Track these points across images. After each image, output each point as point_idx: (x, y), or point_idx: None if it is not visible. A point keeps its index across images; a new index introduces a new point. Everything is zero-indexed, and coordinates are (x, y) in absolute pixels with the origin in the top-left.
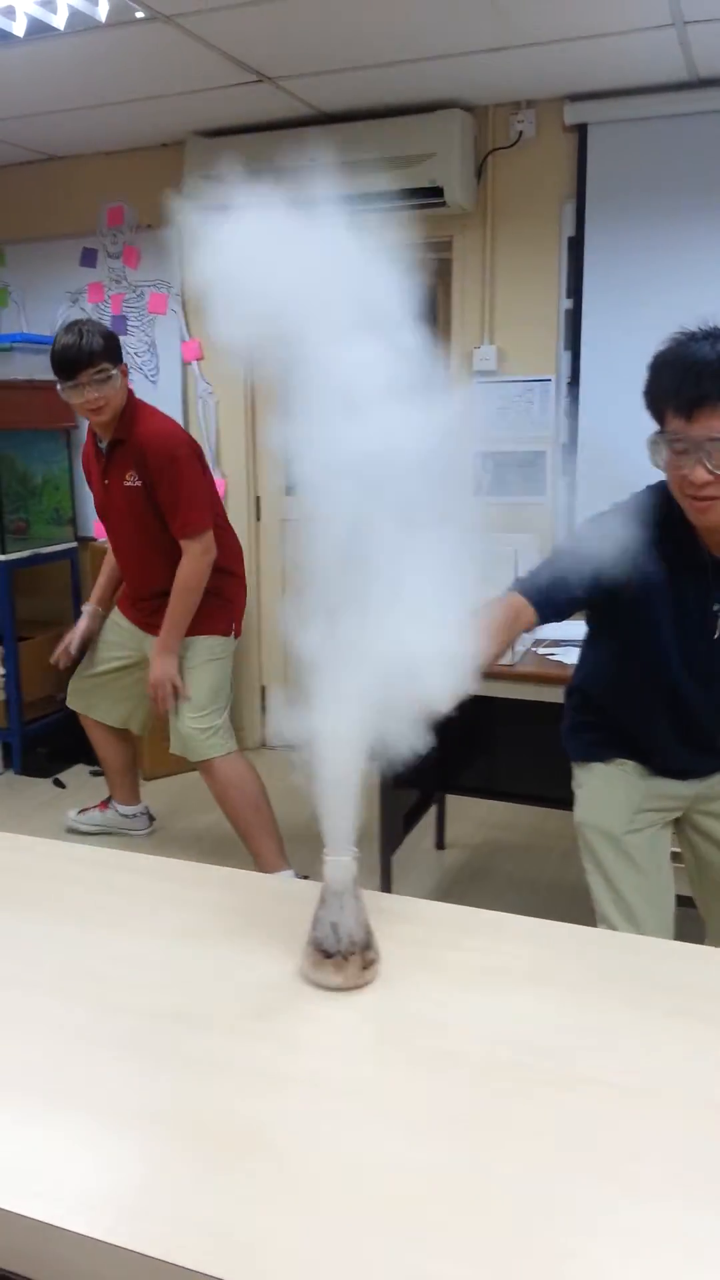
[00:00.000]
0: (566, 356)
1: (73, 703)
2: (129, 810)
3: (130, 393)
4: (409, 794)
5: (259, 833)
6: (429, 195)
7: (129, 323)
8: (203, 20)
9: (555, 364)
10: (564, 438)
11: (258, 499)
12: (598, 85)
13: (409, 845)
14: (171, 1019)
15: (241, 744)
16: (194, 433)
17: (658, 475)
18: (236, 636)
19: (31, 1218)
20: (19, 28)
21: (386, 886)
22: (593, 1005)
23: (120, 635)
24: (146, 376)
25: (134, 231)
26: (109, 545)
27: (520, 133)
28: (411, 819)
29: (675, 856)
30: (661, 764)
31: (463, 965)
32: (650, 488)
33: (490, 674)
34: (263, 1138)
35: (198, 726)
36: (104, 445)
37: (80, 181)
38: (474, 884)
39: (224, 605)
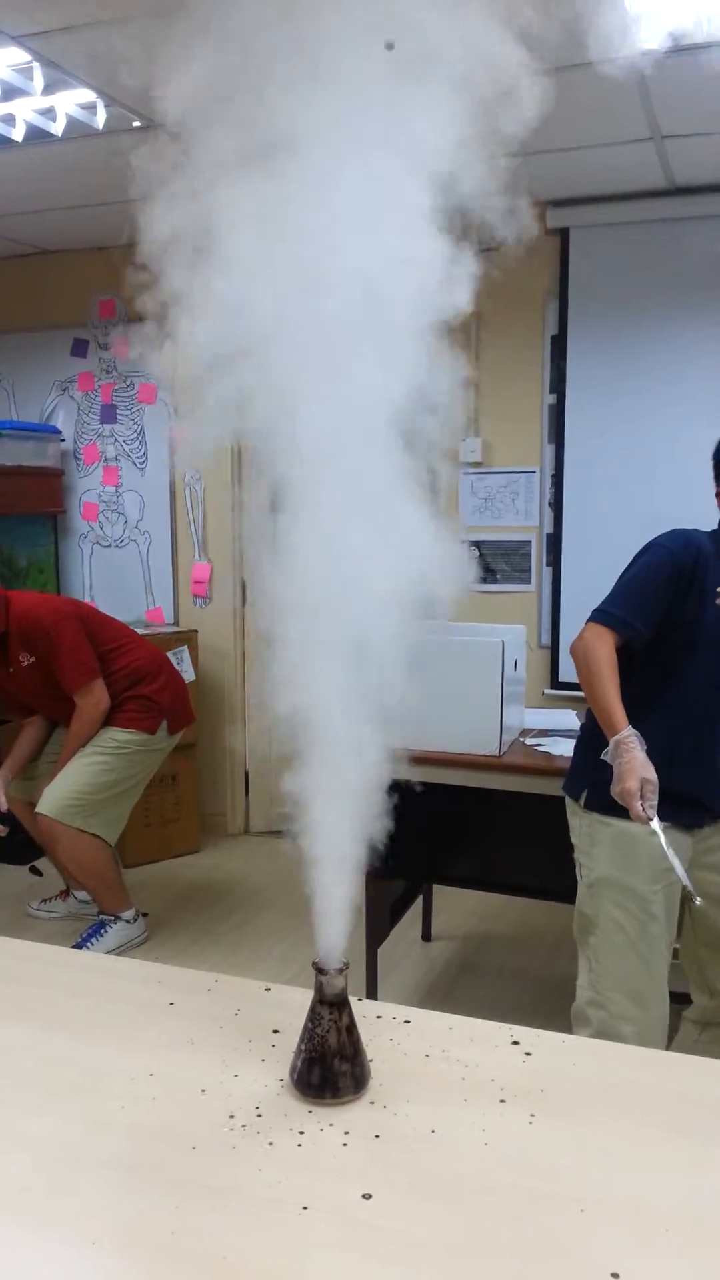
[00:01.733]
0: (550, 449)
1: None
2: (85, 896)
3: (1, 590)
4: (396, 884)
5: (100, 890)
6: None
7: (119, 411)
8: None
9: (539, 456)
10: (548, 528)
11: (243, 582)
12: (580, 191)
13: (395, 937)
14: (158, 1137)
15: (224, 830)
16: (181, 518)
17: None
18: (170, 734)
19: None
20: (18, 133)
21: (373, 980)
22: (592, 1121)
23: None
24: (135, 464)
25: (125, 323)
26: (29, 727)
27: (504, 236)
28: (399, 910)
29: None
30: (690, 795)
31: (453, 1078)
32: (684, 529)
33: (478, 764)
34: (252, 1265)
35: (79, 802)
36: None
37: (73, 275)
38: (462, 977)
39: (147, 705)
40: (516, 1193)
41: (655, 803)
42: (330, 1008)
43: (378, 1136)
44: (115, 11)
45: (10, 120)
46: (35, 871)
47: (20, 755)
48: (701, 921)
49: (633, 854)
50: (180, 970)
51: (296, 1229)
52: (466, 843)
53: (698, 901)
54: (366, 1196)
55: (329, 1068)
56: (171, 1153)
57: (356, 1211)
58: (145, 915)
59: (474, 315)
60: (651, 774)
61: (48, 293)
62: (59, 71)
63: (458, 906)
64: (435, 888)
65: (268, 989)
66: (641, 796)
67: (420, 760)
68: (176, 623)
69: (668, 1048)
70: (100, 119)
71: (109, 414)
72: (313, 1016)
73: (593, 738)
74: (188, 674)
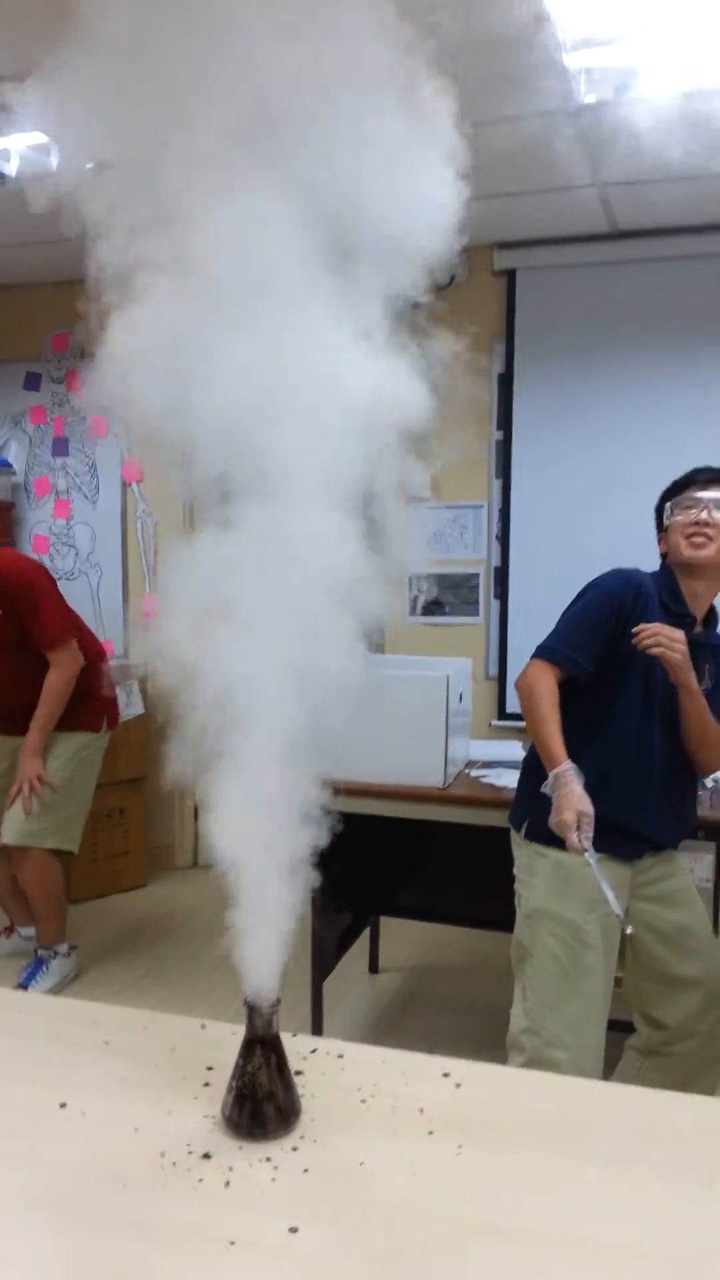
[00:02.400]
0: (498, 484)
1: None
2: (30, 933)
3: None
4: (343, 917)
5: (49, 916)
6: None
7: (70, 444)
8: None
9: (487, 491)
10: (496, 561)
11: None
12: (526, 234)
13: (342, 968)
14: (88, 1175)
15: (172, 863)
16: (132, 551)
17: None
18: (110, 728)
19: None
20: None
21: (318, 1013)
22: (520, 1150)
23: None
24: (86, 497)
25: (78, 358)
26: None
27: (453, 277)
28: (345, 942)
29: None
30: (626, 826)
31: (383, 1110)
32: (626, 569)
33: (423, 797)
34: None
35: (40, 820)
36: None
37: (27, 309)
38: (409, 1009)
39: (93, 702)
40: (442, 1223)
41: (590, 834)
42: (261, 1045)
43: (306, 1171)
44: (65, 62)
45: None
46: None
47: None
48: (642, 952)
49: (569, 885)
50: (118, 1009)
51: (223, 1263)
52: (414, 874)
53: (628, 930)
54: (293, 1230)
55: (259, 1105)
56: (101, 1190)
57: (283, 1244)
58: (75, 948)
59: (423, 352)
60: (588, 806)
61: (2, 327)
62: (11, 115)
63: (405, 938)
64: (383, 919)
65: (203, 1026)
66: (578, 828)
67: (366, 792)
68: (126, 655)
69: (610, 1076)
70: (54, 160)
71: (61, 447)
72: (244, 1054)
73: (534, 770)
74: (136, 707)
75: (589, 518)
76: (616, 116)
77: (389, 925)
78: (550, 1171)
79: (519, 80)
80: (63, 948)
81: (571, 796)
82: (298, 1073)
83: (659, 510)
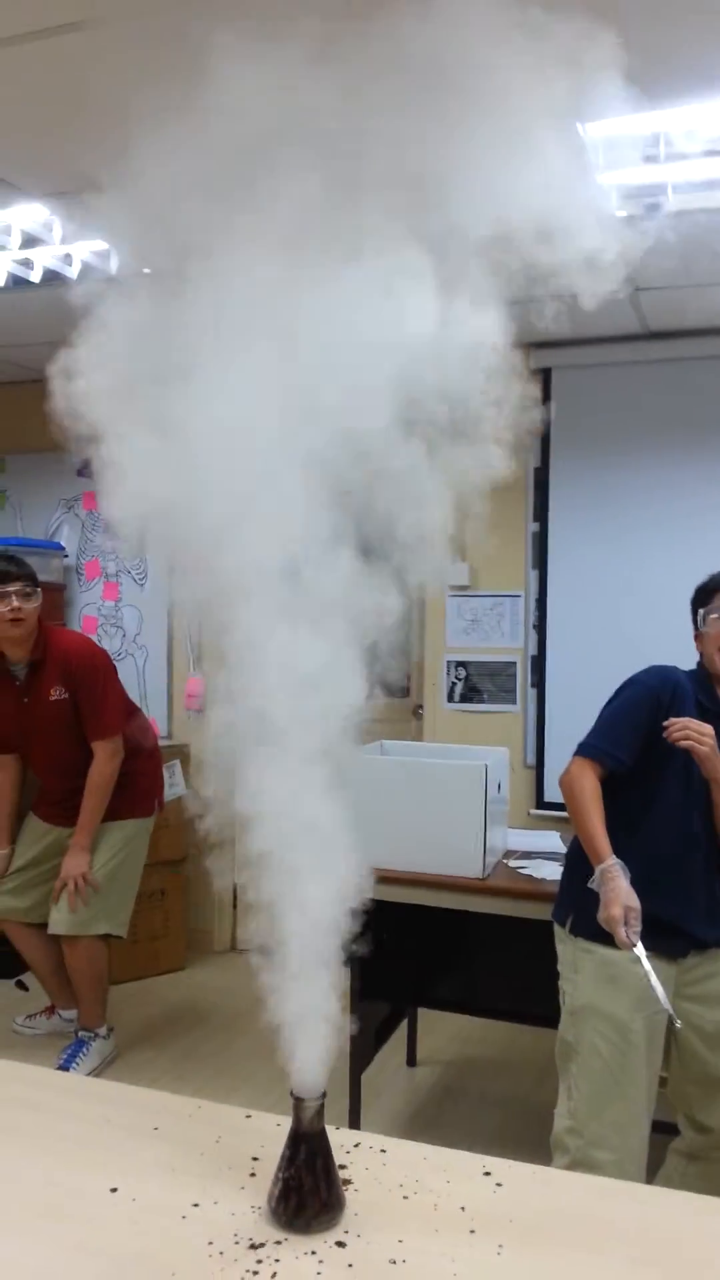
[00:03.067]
0: (534, 574)
1: None
2: (71, 1014)
3: (39, 618)
4: (380, 1007)
5: (93, 999)
6: None
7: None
8: None
9: (524, 581)
10: (533, 649)
11: None
12: (560, 335)
13: (380, 1061)
14: (139, 1262)
15: (209, 947)
16: (179, 633)
17: (615, 683)
18: (160, 809)
19: None
20: (35, 275)
21: (356, 1105)
22: (555, 1251)
23: (37, 832)
24: (134, 580)
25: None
26: (1, 772)
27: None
28: (383, 1034)
29: None
30: (671, 922)
31: (425, 1207)
32: (663, 665)
33: (462, 887)
34: None
35: (90, 909)
36: (18, 668)
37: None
38: (447, 1103)
39: (145, 788)
40: None
41: (639, 929)
42: (307, 1139)
43: (350, 1265)
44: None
45: (29, 265)
46: (21, 986)
47: (5, 819)
48: (686, 1053)
49: (615, 982)
50: (164, 1094)
51: None
52: (452, 965)
53: (678, 1024)
54: None
55: (304, 1198)
56: (151, 1279)
57: None
58: (113, 1030)
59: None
60: (635, 902)
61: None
62: (74, 225)
63: (443, 1030)
64: (420, 1011)
65: (249, 1116)
66: (626, 923)
67: (404, 881)
68: (170, 735)
69: (651, 1179)
70: (113, 265)
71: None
72: (290, 1147)
73: (578, 865)
74: (179, 788)
75: (624, 608)
76: (646, 230)
77: (427, 1017)
78: (589, 1273)
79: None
80: (103, 1030)
81: (619, 892)
82: (341, 1166)
83: (694, 605)
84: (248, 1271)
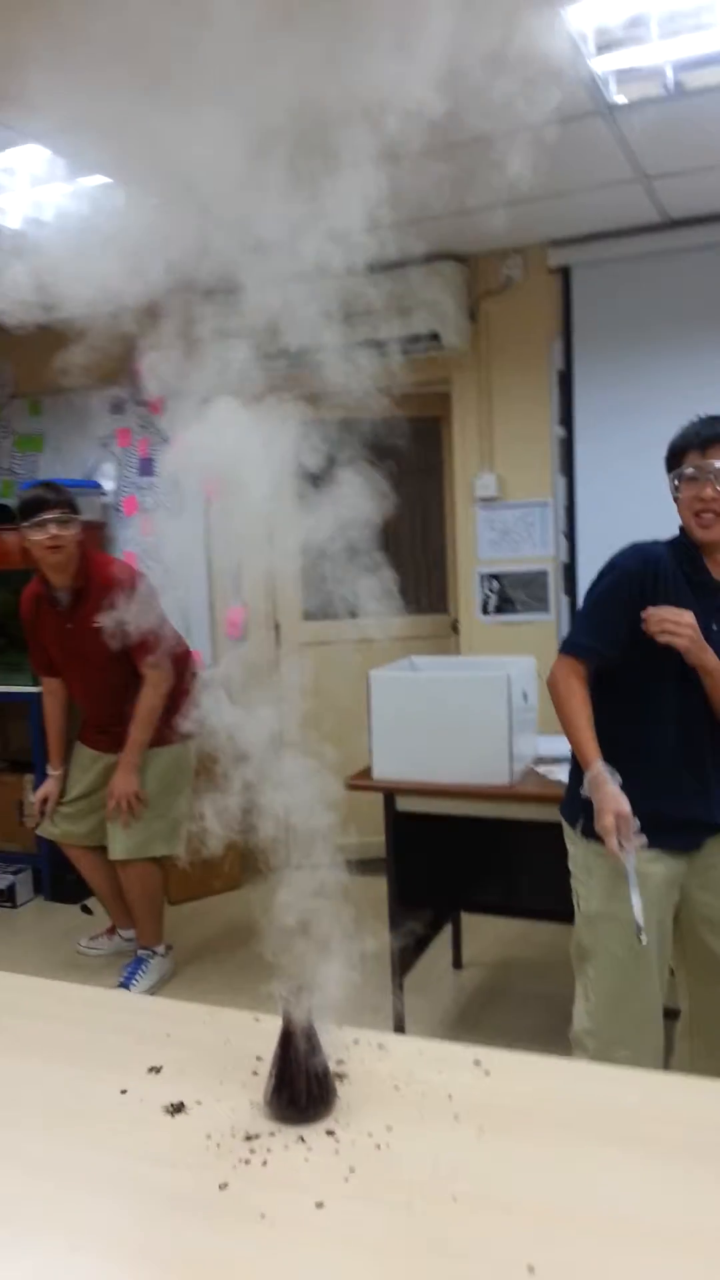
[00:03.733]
0: (562, 481)
1: (47, 831)
2: (130, 934)
3: (82, 544)
4: (422, 913)
5: (149, 918)
6: (427, 340)
7: (155, 464)
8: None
9: (551, 488)
10: (564, 557)
11: (277, 625)
12: (577, 231)
13: (427, 964)
14: (140, 1158)
15: (267, 864)
16: (216, 564)
17: None
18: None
19: None
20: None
21: (400, 1009)
22: (539, 1133)
23: (86, 760)
24: (172, 513)
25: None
26: (50, 697)
27: (509, 278)
28: (425, 939)
29: None
30: (680, 815)
31: (413, 1096)
32: (642, 543)
33: (490, 795)
34: (210, 1266)
35: (144, 831)
36: (61, 595)
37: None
38: (492, 1003)
39: (183, 709)
40: (457, 1200)
41: (630, 834)
42: (295, 1036)
43: (336, 1152)
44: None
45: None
46: (85, 910)
47: (57, 741)
48: (689, 940)
49: (626, 886)
50: (180, 1003)
51: (254, 1234)
52: (492, 870)
53: (644, 941)
54: (319, 1205)
55: (296, 1091)
56: (150, 1170)
57: (309, 1218)
58: (171, 948)
59: (482, 356)
60: (624, 806)
61: (88, 355)
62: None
63: (488, 933)
64: (465, 916)
65: (257, 1019)
66: (617, 830)
67: (435, 792)
68: (214, 664)
69: (666, 1069)
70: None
71: (146, 467)
72: (282, 1044)
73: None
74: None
75: (654, 510)
76: (648, 115)
77: (471, 921)
78: (564, 1151)
79: (542, 85)
80: (161, 948)
81: (608, 799)
82: (339, 1061)
83: (668, 461)
84: (240, 1160)
